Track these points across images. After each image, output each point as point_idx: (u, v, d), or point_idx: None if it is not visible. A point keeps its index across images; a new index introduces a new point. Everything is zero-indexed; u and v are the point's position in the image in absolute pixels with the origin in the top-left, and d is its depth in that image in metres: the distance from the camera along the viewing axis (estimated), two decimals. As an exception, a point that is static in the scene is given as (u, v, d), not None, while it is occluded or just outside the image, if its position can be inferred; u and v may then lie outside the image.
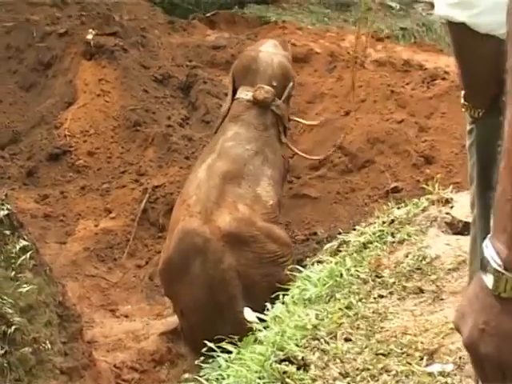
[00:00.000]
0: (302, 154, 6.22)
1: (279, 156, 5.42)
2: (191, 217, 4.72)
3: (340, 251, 3.29)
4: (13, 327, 3.51)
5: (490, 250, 1.11)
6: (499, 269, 1.09)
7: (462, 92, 1.84)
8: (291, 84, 5.65)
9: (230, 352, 2.76)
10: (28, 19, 8.44)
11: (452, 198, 3.47)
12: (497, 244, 1.11)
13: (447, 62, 7.94)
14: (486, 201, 1.71)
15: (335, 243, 3.41)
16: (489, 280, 1.10)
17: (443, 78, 7.44)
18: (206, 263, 4.64)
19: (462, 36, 1.67)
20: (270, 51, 5.70)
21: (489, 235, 1.13)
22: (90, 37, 7.76)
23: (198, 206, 4.76)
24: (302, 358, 2.46)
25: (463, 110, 1.86)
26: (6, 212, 3.87)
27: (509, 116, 1.10)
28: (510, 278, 1.08)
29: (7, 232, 3.86)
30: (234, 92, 5.51)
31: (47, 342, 3.82)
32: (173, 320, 5.20)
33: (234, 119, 5.33)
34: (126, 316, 5.49)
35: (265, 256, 4.82)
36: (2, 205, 3.87)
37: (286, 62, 5.78)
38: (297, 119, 6.50)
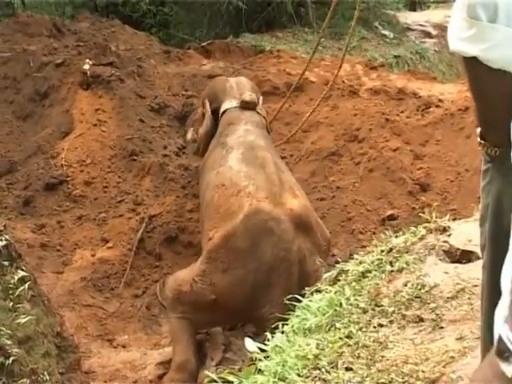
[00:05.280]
0: None
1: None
2: (259, 201, 4.71)
3: (339, 280, 3.28)
4: (11, 358, 3.49)
5: (509, 334, 1.01)
6: None
7: (478, 129, 1.78)
8: (261, 97, 6.15)
9: (231, 382, 2.75)
10: (25, 49, 8.50)
11: (449, 226, 3.48)
12: None
13: (441, 90, 8.02)
14: (499, 246, 1.68)
15: (334, 272, 3.41)
16: (508, 369, 1.01)
17: (437, 106, 7.51)
18: (278, 244, 4.61)
19: (476, 71, 1.64)
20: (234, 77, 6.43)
21: (506, 316, 1.04)
22: (86, 67, 7.81)
23: (262, 192, 4.78)
24: (304, 388, 2.46)
25: (479, 148, 1.80)
26: (4, 243, 3.87)
27: None
28: None
29: (5, 263, 3.86)
30: (213, 113, 5.93)
31: (45, 372, 3.81)
32: (170, 350, 5.17)
33: (235, 121, 5.65)
34: (124, 346, 5.46)
35: (317, 247, 4.84)
36: (1, 235, 3.87)
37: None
38: None
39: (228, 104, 5.79)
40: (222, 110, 5.81)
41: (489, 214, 1.76)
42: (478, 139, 1.78)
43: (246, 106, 5.74)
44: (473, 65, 1.63)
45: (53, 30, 9.44)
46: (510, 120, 1.42)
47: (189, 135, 6.61)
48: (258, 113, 5.81)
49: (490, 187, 1.77)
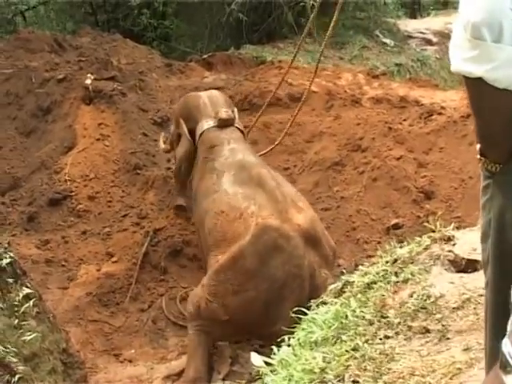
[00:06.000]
0: None
1: None
2: (265, 220, 4.61)
3: (344, 292, 3.27)
4: (17, 376, 3.48)
5: (510, 350, 1.07)
6: None
7: (478, 146, 1.79)
8: (236, 109, 5.97)
9: (237, 398, 2.75)
10: (27, 66, 8.53)
11: (454, 236, 3.46)
12: None
13: (443, 97, 8.01)
14: (503, 262, 1.67)
15: (339, 284, 3.39)
16: (509, 381, 1.07)
17: (440, 113, 7.50)
18: (289, 261, 4.52)
19: (480, 90, 1.64)
20: (205, 91, 6.22)
21: (508, 332, 1.09)
22: (88, 82, 7.84)
23: (266, 210, 4.68)
24: (311, 402, 2.45)
25: (479, 165, 1.80)
26: (8, 260, 3.87)
27: None
28: None
29: (10, 280, 3.86)
30: (190, 133, 5.73)
31: (52, 390, 3.80)
32: (177, 364, 5.16)
33: (217, 142, 5.49)
34: (130, 361, 5.44)
35: (324, 258, 4.76)
36: (5, 253, 3.87)
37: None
38: None
39: (205, 124, 5.62)
40: (199, 131, 5.65)
41: (491, 230, 1.75)
42: (478, 156, 1.79)
43: (224, 123, 5.59)
44: (477, 85, 1.63)
45: (54, 45, 9.48)
46: (510, 136, 1.42)
47: (161, 144, 6.52)
48: (236, 128, 5.68)
49: (492, 203, 1.76)
